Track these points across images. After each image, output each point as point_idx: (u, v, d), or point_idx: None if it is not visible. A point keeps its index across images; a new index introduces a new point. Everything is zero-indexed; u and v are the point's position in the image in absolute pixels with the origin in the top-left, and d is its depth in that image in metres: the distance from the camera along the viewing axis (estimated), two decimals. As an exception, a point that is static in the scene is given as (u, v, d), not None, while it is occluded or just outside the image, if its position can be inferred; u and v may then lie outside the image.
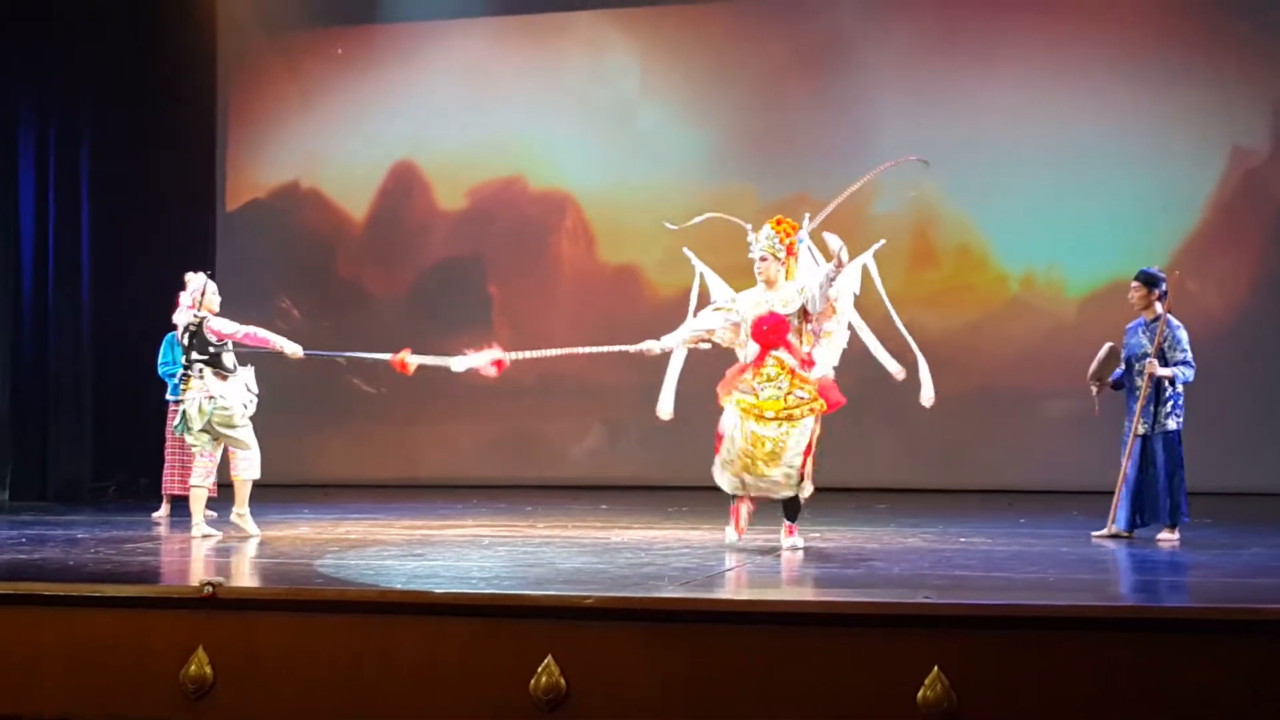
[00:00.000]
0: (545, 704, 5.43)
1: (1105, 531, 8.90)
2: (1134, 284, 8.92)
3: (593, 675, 5.44)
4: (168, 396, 10.66)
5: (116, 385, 13.04)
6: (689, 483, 12.78)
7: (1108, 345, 9.09)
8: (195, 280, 9.25)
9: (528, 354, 8.55)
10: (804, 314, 8.13)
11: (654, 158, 13.88)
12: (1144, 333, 8.85)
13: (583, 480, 13.48)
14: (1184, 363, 8.72)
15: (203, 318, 9.02)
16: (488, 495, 12.23)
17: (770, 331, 8.06)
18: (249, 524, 9.04)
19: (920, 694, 5.19)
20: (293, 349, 9.10)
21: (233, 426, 8.98)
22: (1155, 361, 8.69)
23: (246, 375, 9.15)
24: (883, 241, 8.49)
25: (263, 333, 9.07)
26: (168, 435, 10.60)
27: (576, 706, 5.42)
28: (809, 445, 7.96)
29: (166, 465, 10.62)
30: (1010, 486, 12.49)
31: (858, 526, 9.61)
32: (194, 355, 8.96)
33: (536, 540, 8.72)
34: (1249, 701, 5.11)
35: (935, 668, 5.20)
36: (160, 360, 10.64)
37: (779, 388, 7.99)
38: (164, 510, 10.47)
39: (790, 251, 8.20)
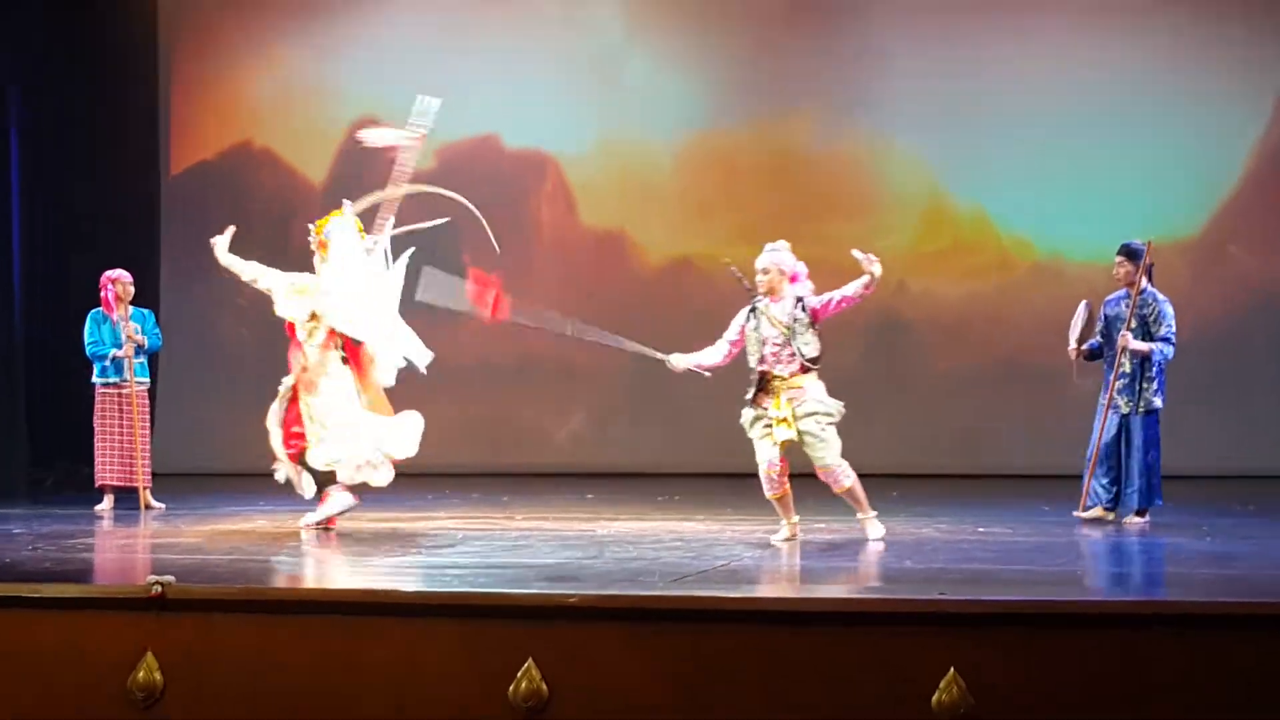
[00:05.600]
0: (526, 711, 5.46)
1: (1093, 513, 9.17)
2: (1119, 258, 9.31)
3: (577, 680, 5.47)
4: (95, 379, 10.58)
5: (52, 368, 13.01)
6: (681, 469, 12.88)
7: (1084, 305, 9.42)
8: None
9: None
10: None
11: (642, 112, 13.87)
12: (1126, 305, 9.20)
13: (566, 467, 13.50)
14: (1165, 339, 9.10)
15: None
16: (462, 484, 12.24)
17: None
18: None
19: (935, 698, 5.24)
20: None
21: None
22: (1129, 335, 9.06)
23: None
24: (413, 249, 9.18)
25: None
26: (98, 423, 10.55)
27: (559, 714, 5.46)
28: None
29: (98, 455, 10.55)
30: (1033, 471, 12.54)
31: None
32: None
33: (515, 534, 8.75)
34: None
35: (951, 669, 5.25)
36: (88, 339, 10.57)
37: None
38: (107, 503, 10.47)
39: (322, 245, 9.12)
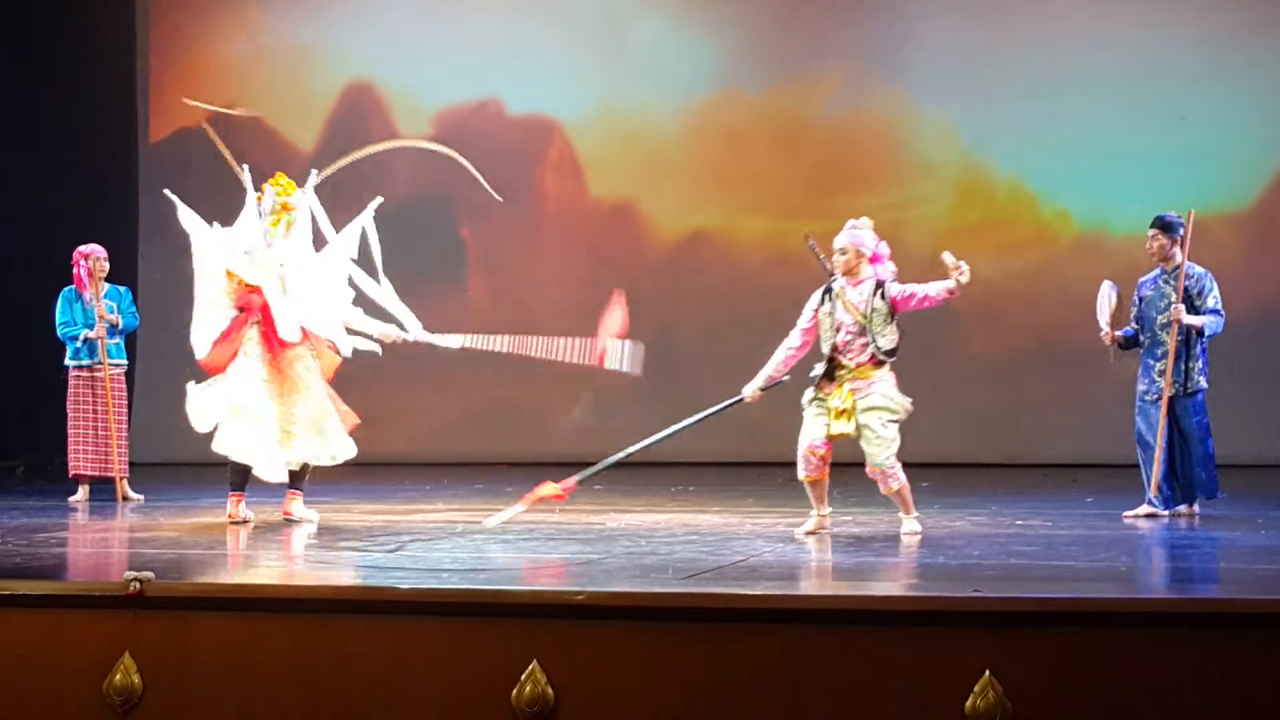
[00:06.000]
0: (530, 717, 5.46)
1: (1141, 511, 9.04)
2: (1152, 231, 9.15)
3: (585, 684, 5.47)
4: (67, 361, 10.61)
5: (21, 351, 13.02)
6: (696, 458, 12.86)
7: (1111, 286, 9.25)
8: None
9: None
10: None
11: (651, 75, 13.83)
12: (1166, 283, 9.08)
13: (571, 456, 13.42)
14: (1214, 312, 8.99)
15: None
16: (461, 474, 12.24)
17: None
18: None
19: (969, 703, 5.23)
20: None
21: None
22: (1181, 308, 8.92)
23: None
24: (380, 200, 9.33)
25: None
26: (71, 408, 10.56)
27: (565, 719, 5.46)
28: None
29: (72, 442, 10.57)
30: (1075, 460, 12.51)
31: (895, 508, 9.61)
32: None
33: (518, 527, 8.74)
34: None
35: (986, 673, 5.24)
36: (59, 319, 10.59)
37: None
38: (82, 494, 10.48)
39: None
